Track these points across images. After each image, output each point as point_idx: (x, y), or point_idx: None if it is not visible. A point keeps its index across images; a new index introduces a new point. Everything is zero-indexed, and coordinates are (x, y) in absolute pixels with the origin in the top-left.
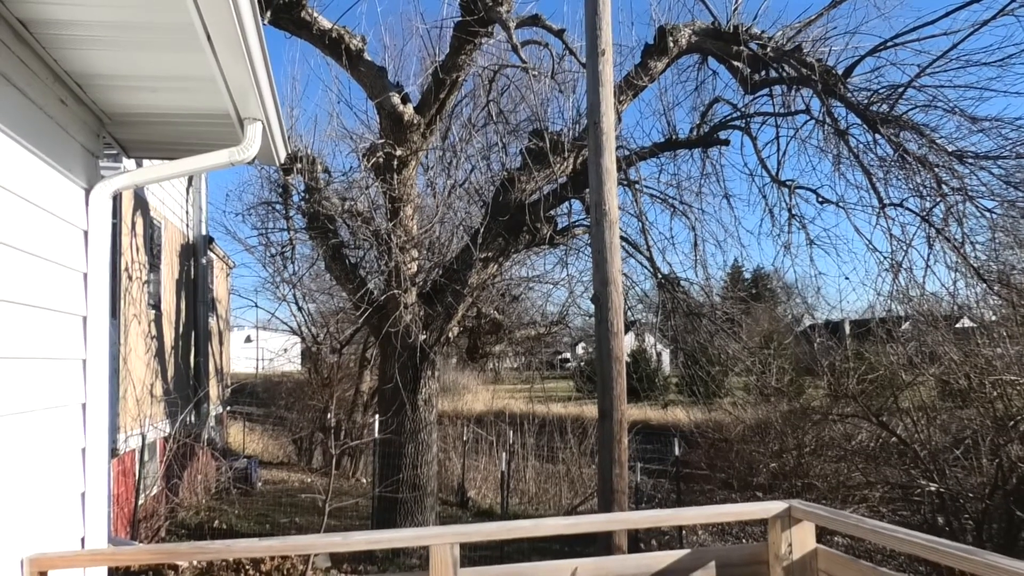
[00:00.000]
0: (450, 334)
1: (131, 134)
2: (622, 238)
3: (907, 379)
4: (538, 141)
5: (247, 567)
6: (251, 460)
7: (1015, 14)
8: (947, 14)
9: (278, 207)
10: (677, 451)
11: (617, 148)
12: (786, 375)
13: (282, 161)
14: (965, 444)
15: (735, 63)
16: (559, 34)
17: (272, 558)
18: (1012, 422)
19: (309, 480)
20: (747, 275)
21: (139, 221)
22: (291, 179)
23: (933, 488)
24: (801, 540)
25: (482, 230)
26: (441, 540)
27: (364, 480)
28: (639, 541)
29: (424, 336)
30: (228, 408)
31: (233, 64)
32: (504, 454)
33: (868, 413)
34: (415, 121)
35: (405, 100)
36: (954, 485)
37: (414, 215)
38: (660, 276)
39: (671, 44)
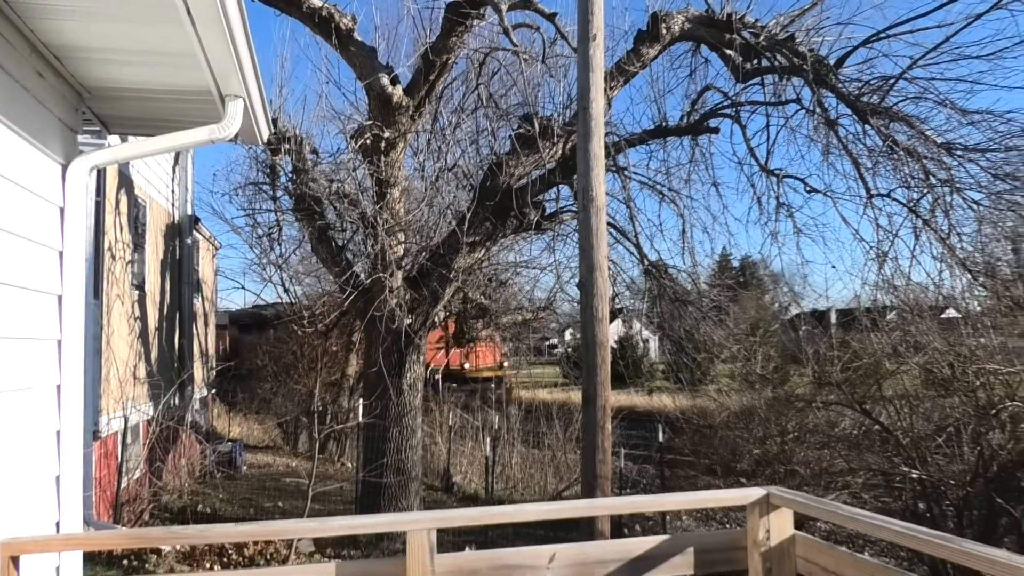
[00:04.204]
0: (436, 319)
1: (111, 109)
2: (610, 224)
3: (891, 368)
4: (527, 126)
5: (230, 552)
6: (236, 443)
7: (1009, 8)
8: (941, 6)
9: (265, 188)
10: (661, 437)
11: (607, 134)
12: (771, 363)
13: (265, 140)
14: (947, 432)
15: (728, 51)
16: (551, 18)
17: (255, 543)
18: (993, 411)
19: (294, 464)
20: (735, 263)
21: (123, 200)
22: (279, 159)
23: (915, 475)
24: (779, 526)
25: (469, 215)
26: (419, 526)
27: (349, 464)
28: (623, 527)
29: (409, 320)
30: (213, 391)
31: (213, 40)
32: (488, 439)
33: (852, 401)
34: (404, 103)
35: (395, 81)
36: (935, 472)
37: (401, 198)
38: (647, 263)
39: (664, 31)
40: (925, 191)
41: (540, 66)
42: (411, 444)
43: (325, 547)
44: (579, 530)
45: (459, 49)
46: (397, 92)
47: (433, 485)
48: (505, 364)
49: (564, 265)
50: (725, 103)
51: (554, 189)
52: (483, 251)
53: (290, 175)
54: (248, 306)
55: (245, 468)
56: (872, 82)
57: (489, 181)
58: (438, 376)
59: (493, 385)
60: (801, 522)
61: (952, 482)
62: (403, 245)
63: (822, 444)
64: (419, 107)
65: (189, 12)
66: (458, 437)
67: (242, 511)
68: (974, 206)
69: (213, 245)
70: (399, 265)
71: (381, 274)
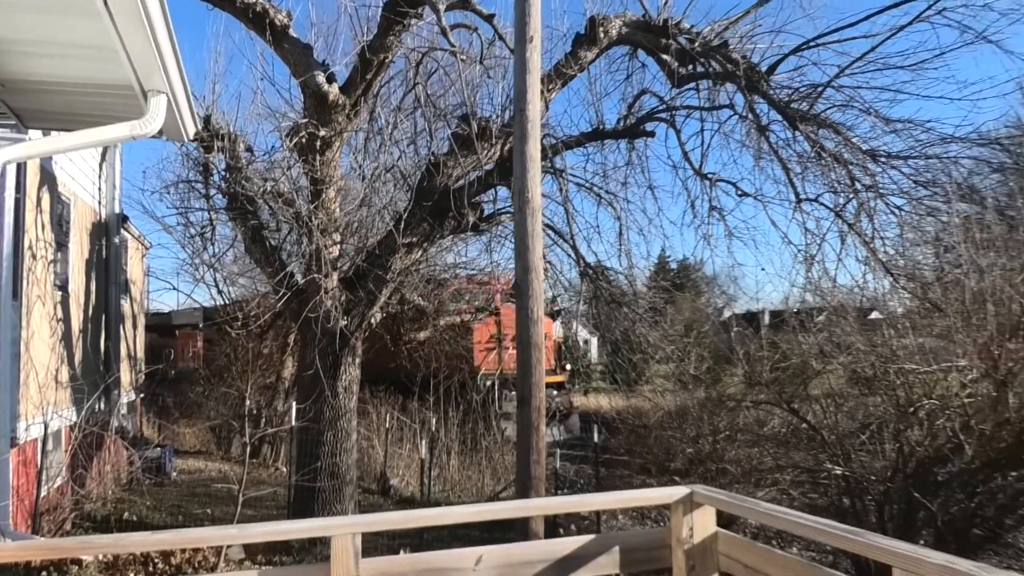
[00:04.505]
0: (372, 320)
1: (29, 103)
2: (548, 226)
3: (817, 368)
4: (465, 127)
5: (156, 560)
6: (165, 449)
7: (930, 20)
8: (867, 17)
9: (198, 186)
10: (596, 437)
11: (544, 136)
12: (704, 363)
13: (191, 137)
14: (870, 430)
15: (664, 56)
16: (489, 19)
17: (183, 550)
18: (912, 409)
19: (227, 469)
20: (673, 265)
21: (45, 197)
22: (212, 157)
23: (839, 471)
24: (703, 524)
25: (406, 215)
26: (343, 530)
27: (284, 469)
28: (559, 526)
29: (345, 322)
30: (142, 395)
31: (133, 33)
32: (424, 441)
33: (780, 400)
34: (340, 101)
35: (331, 79)
36: (858, 468)
37: (337, 198)
38: (583, 264)
39: (601, 34)
40: (851, 196)
41: (479, 67)
42: (346, 447)
43: (256, 553)
44: (514, 531)
45: (397, 48)
46: (333, 90)
47: (370, 488)
48: (567, 367)
49: (503, 267)
50: (661, 107)
51: (493, 191)
52: (420, 252)
53: (223, 173)
54: (182, 307)
55: (175, 474)
56: (801, 89)
57: (426, 182)
58: (490, 382)
59: (555, 393)
60: (731, 520)
61: (873, 478)
62: (339, 246)
63: (752, 443)
64: (356, 106)
65: (107, 4)
66: (397, 440)
67: (170, 518)
68: (896, 211)
69: (143, 245)
70: (335, 266)
71: (316, 275)
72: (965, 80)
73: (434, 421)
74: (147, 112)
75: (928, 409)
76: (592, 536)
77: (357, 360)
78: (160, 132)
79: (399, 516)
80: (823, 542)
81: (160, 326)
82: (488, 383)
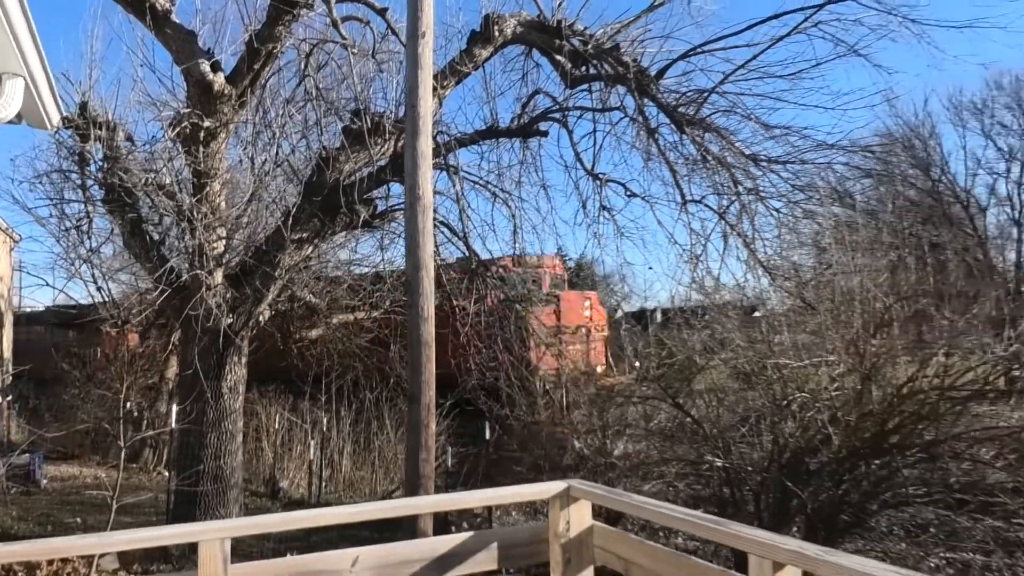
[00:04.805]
0: (261, 318)
1: None
2: (442, 223)
3: (701, 364)
4: (358, 121)
5: (18, 572)
6: (35, 455)
7: (807, 33)
8: (749, 27)
9: (73, 176)
10: (488, 435)
11: (438, 133)
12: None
13: (55, 125)
14: (750, 423)
15: (558, 57)
16: (381, 12)
17: (50, 562)
18: (786, 402)
19: (103, 475)
20: (571, 263)
21: None
22: (88, 146)
23: (719, 463)
24: (579, 518)
25: (295, 211)
26: (209, 536)
27: (167, 473)
28: (450, 524)
29: (231, 320)
30: (9, 397)
31: None
32: (313, 441)
33: (665, 395)
34: (227, 91)
35: (216, 68)
36: (737, 460)
37: (222, 191)
38: (476, 262)
39: (496, 33)
40: (733, 199)
41: (372, 62)
42: (231, 449)
43: (132, 563)
44: (403, 530)
45: (287, 39)
46: (219, 80)
47: (258, 492)
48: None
49: (399, 264)
50: (554, 107)
51: (386, 187)
52: (311, 248)
53: (101, 163)
54: (56, 304)
55: (46, 482)
56: (689, 94)
57: (316, 177)
58: (550, 386)
59: None
60: (620, 516)
61: (750, 469)
62: (224, 241)
63: (640, 437)
64: (243, 96)
65: None
66: (287, 440)
67: (39, 528)
68: (775, 213)
69: (11, 238)
70: (219, 262)
71: (199, 271)
72: (838, 91)
73: (325, 421)
74: (1, 96)
75: (800, 402)
76: (472, 533)
77: (243, 359)
78: (19, 117)
79: (272, 519)
80: (689, 532)
81: (74, 322)
82: (547, 388)
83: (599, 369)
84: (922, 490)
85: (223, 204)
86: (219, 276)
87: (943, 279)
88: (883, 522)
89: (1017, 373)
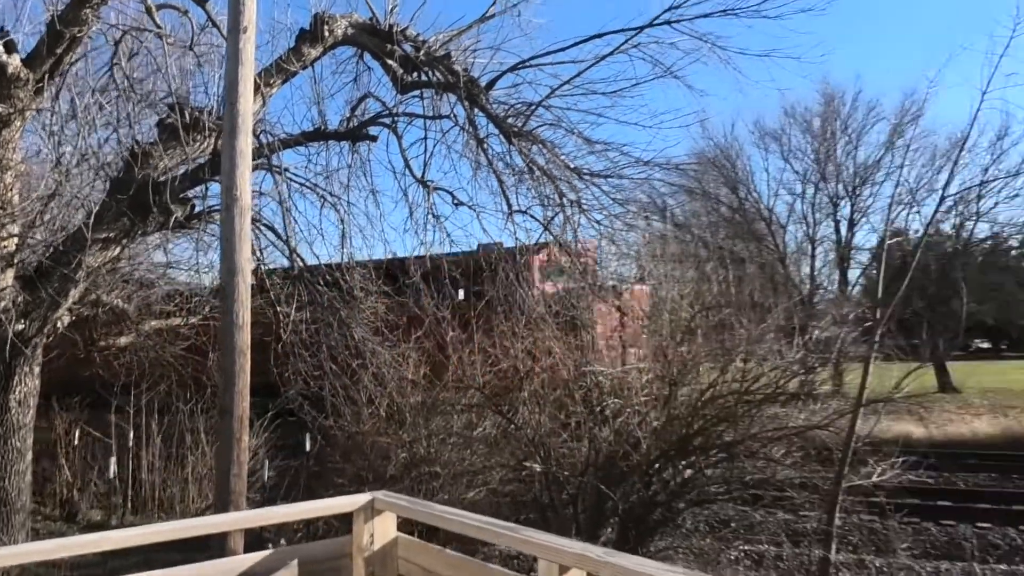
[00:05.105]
0: (59, 324)
1: None
2: (266, 227)
3: (524, 371)
4: (174, 115)
5: None
6: None
7: (628, 53)
8: (575, 44)
9: None
10: (308, 446)
11: (262, 132)
12: (422, 367)
13: None
14: (570, 429)
15: (389, 62)
16: (202, 3)
17: None
18: (600, 407)
19: None
20: None
21: None
22: None
23: (538, 468)
24: (383, 530)
25: (98, 208)
26: None
27: None
28: (266, 541)
29: (22, 326)
30: None
31: None
32: (113, 458)
33: (490, 403)
34: (24, 75)
35: (10, 48)
36: (554, 466)
37: (15, 184)
38: (300, 267)
39: (327, 33)
40: (558, 210)
41: (191, 55)
42: (19, 469)
43: None
44: (213, 549)
45: (94, 23)
46: (14, 62)
47: (51, 515)
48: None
49: (214, 267)
50: (384, 112)
51: (204, 186)
52: (119, 249)
53: None
54: None
55: None
56: (517, 106)
57: (125, 172)
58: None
59: None
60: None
61: (567, 473)
62: (15, 239)
63: (465, 445)
64: (41, 82)
65: None
66: (90, 457)
67: None
68: (597, 225)
69: None
70: (10, 261)
71: None
72: (656, 110)
73: (131, 435)
74: None
75: (612, 408)
76: (269, 551)
77: (37, 369)
78: None
79: (50, 545)
80: (483, 539)
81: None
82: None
83: None
84: (723, 488)
85: (16, 198)
86: (10, 277)
87: (742, 290)
88: (689, 519)
89: (804, 377)
